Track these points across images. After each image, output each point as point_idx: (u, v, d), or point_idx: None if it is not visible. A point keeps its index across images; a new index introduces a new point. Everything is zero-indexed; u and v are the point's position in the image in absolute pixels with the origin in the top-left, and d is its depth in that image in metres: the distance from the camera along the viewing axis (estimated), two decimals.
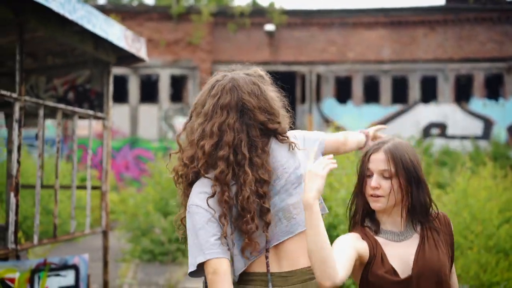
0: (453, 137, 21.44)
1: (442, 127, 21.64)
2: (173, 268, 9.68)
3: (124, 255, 10.92)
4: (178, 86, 23.14)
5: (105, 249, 7.06)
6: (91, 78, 7.15)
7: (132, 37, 6.74)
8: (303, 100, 22.59)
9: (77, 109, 6.29)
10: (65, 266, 5.01)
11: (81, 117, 6.55)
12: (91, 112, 6.62)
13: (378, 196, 2.90)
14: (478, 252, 8.24)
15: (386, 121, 21.76)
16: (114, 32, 6.25)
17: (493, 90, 22.05)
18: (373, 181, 2.89)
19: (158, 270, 9.98)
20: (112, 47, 6.72)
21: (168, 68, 22.49)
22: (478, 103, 21.42)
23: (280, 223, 2.90)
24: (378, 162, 2.91)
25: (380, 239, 2.93)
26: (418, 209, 2.91)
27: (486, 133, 21.25)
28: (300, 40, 22.38)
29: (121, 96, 22.16)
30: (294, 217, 2.91)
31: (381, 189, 2.89)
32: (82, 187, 7.16)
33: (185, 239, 2.97)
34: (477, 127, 21.35)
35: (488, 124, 21.31)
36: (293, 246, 2.90)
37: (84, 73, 7.16)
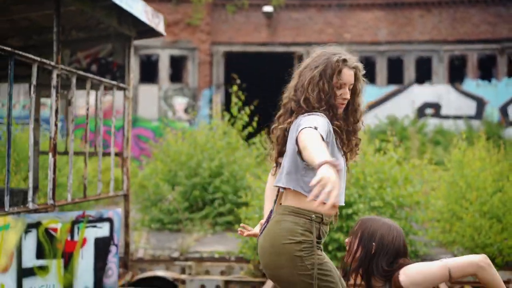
0: (447, 117, 21.94)
1: (436, 107, 22.12)
2: (183, 235, 10.19)
3: (135, 224, 11.42)
4: (177, 67, 23.53)
5: (127, 212, 7.56)
6: (113, 52, 7.61)
7: (152, 13, 7.20)
8: None
9: (103, 79, 6.77)
10: (101, 219, 5.51)
11: (106, 87, 7.03)
12: (114, 82, 7.10)
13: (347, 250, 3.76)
14: (473, 217, 8.78)
15: (381, 101, 22.25)
16: (138, 7, 6.71)
17: (486, 71, 22.54)
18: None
19: (168, 237, 10.50)
20: (133, 22, 7.19)
21: (168, 48, 22.87)
22: (472, 84, 21.91)
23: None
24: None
25: None
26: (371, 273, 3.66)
27: (479, 113, 21.76)
28: (298, 22, 22.80)
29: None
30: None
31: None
32: (106, 154, 7.64)
33: None
34: (470, 107, 21.85)
35: (481, 104, 21.82)
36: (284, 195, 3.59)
37: (107, 46, 7.63)
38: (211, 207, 11.28)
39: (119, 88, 7.26)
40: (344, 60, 3.64)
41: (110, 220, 5.57)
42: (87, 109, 6.41)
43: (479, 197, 9.08)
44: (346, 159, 3.67)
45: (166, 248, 9.49)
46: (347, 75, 3.64)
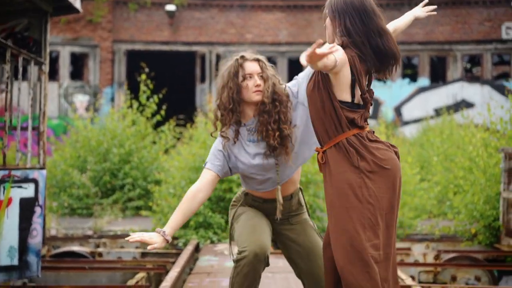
0: None
1: None
2: (94, 219, 10.24)
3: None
4: (78, 64, 23.31)
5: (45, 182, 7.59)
6: (29, 27, 7.63)
7: None
8: (203, 79, 23.25)
9: (22, 50, 6.81)
10: (26, 179, 5.58)
11: (24, 59, 7.06)
12: (32, 55, 7.15)
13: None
14: None
15: None
16: None
17: None
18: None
19: (79, 221, 10.53)
20: None
21: (68, 45, 22.61)
22: None
23: None
24: None
25: None
26: None
27: (375, 113, 22.66)
28: (200, 21, 23.05)
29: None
30: None
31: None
32: (23, 128, 7.65)
33: None
34: None
35: (376, 104, 22.73)
36: None
37: (23, 21, 7.64)
38: (121, 193, 11.39)
39: (37, 62, 7.32)
40: (242, 56, 4.06)
41: (35, 181, 5.65)
42: (7, 78, 6.45)
43: None
44: (276, 148, 3.99)
45: (79, 228, 9.54)
46: (250, 66, 4.03)
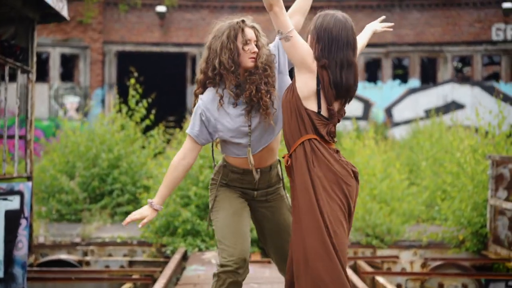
0: None
1: None
2: (83, 225, 10.22)
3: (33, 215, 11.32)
4: (68, 65, 23.24)
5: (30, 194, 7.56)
6: (16, 35, 7.61)
7: None
8: (193, 80, 23.24)
9: (8, 60, 6.80)
10: (11, 192, 5.56)
11: (11, 67, 7.05)
12: (19, 64, 7.14)
13: None
14: (364, 199, 9.31)
15: None
16: None
17: (372, 73, 23.53)
18: None
19: (68, 226, 10.51)
20: (37, 4, 7.25)
21: (59, 47, 22.54)
22: (359, 86, 22.77)
23: None
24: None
25: None
26: None
27: (366, 114, 22.68)
28: (190, 22, 23.02)
29: (9, 74, 22.01)
30: None
31: None
32: (10, 137, 7.64)
33: None
34: (357, 108, 22.71)
35: (367, 105, 22.75)
36: None
37: (9, 29, 7.61)
38: (110, 198, 11.38)
39: (23, 71, 7.30)
40: (243, 21, 4.19)
41: (20, 193, 5.64)
42: None
43: (368, 182, 9.64)
44: (263, 109, 4.04)
45: (68, 235, 9.53)
46: (249, 32, 4.15)
